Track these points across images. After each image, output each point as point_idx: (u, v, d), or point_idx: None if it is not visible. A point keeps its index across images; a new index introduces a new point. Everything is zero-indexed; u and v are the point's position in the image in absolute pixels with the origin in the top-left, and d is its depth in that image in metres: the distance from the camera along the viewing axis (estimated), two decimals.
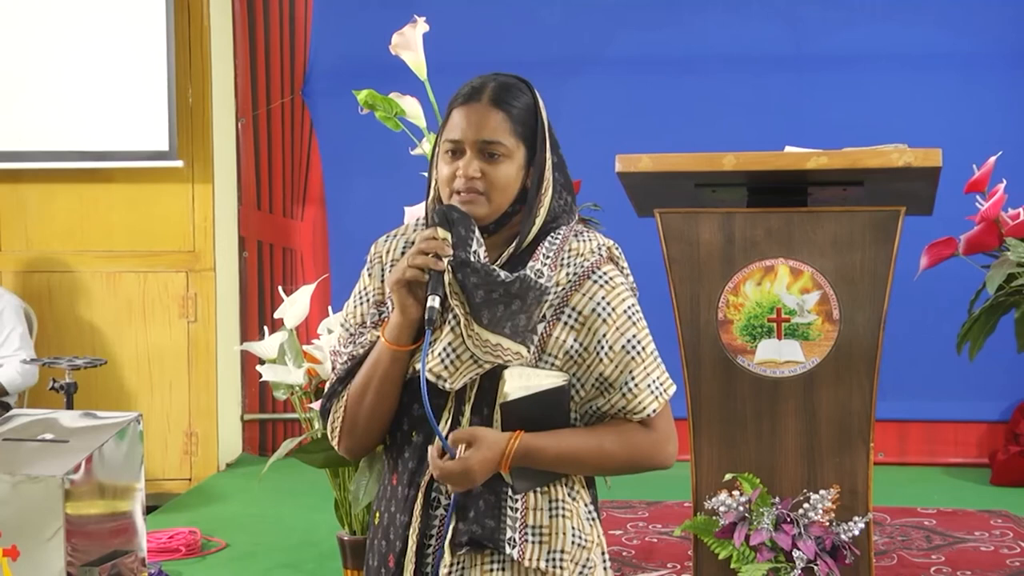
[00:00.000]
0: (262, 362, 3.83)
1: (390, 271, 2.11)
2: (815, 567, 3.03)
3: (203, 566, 4.38)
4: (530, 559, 2.02)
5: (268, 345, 3.79)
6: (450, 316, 2.00)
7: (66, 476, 2.65)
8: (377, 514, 2.15)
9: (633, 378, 2.05)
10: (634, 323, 2.07)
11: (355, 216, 5.87)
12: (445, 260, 1.98)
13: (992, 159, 3.54)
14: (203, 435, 5.69)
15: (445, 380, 2.00)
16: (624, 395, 2.05)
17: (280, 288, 4.20)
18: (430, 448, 1.99)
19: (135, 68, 5.47)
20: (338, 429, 2.12)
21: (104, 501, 2.80)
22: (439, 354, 1.99)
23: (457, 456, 1.96)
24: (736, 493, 3.10)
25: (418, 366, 2.01)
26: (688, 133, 5.40)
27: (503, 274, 1.99)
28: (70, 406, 4.33)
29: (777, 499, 3.10)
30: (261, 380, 3.83)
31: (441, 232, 2.01)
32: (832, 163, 3.03)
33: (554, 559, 2.03)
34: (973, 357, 3.54)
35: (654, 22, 5.91)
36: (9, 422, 2.95)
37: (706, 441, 3.17)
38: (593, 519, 2.11)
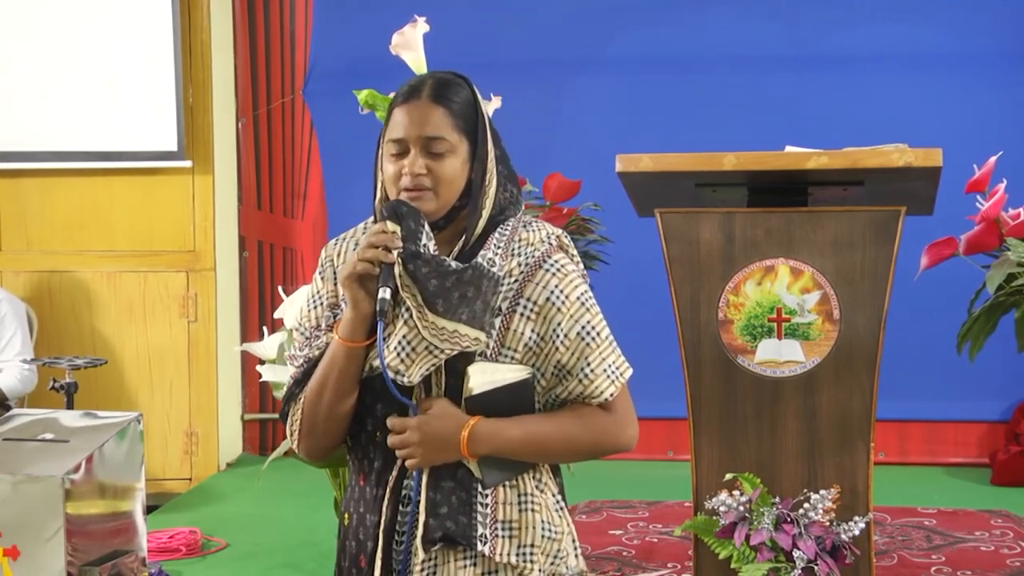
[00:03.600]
0: (262, 362, 3.83)
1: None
2: (815, 567, 3.03)
3: (203, 566, 4.38)
4: (501, 554, 2.03)
5: (267, 345, 3.79)
6: (402, 309, 2.01)
7: (66, 476, 2.64)
8: (346, 515, 2.17)
9: (589, 364, 2.06)
10: (587, 309, 2.08)
11: (355, 216, 5.75)
12: (395, 252, 2.00)
13: (992, 159, 3.53)
14: (203, 435, 5.69)
15: (402, 374, 2.01)
16: (581, 381, 2.07)
17: (280, 288, 4.20)
18: (390, 420, 2.02)
19: (142, 68, 5.48)
20: (297, 432, 2.13)
21: (104, 501, 2.79)
22: (394, 348, 2.00)
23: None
24: (736, 493, 3.10)
25: (375, 363, 2.02)
26: (688, 133, 5.39)
27: (454, 264, 2.01)
28: (70, 406, 4.32)
29: (777, 499, 3.10)
30: (261, 380, 3.83)
31: (391, 226, 2.02)
32: (832, 163, 3.02)
33: (524, 553, 2.05)
34: (973, 357, 3.54)
35: (654, 22, 5.90)
36: (9, 422, 2.95)
37: (706, 441, 3.17)
38: (561, 509, 2.14)
